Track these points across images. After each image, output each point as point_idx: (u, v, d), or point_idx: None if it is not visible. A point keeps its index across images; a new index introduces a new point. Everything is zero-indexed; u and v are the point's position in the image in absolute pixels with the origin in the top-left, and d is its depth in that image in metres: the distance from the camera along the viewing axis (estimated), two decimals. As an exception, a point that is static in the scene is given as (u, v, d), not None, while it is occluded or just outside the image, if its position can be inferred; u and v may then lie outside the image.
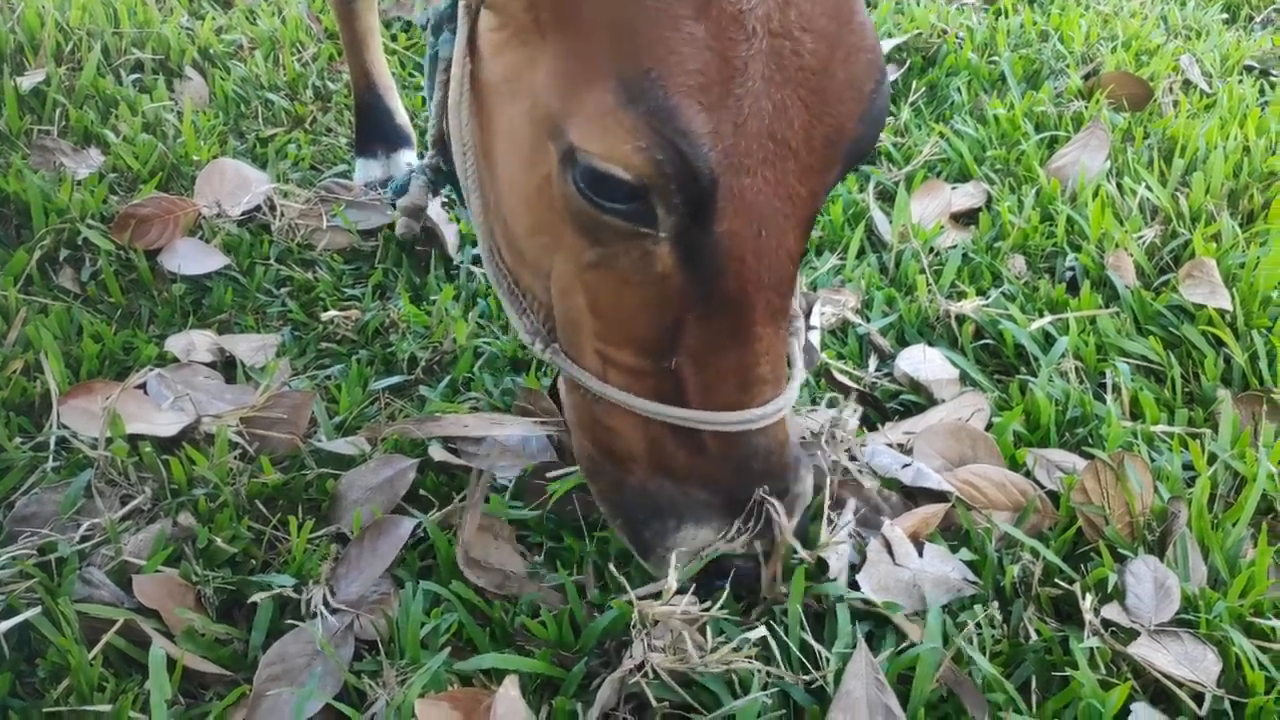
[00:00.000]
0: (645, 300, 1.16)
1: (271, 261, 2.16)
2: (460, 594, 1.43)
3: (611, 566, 1.45)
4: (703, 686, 1.32)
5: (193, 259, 2.13)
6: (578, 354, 1.27)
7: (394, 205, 2.22)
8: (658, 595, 1.38)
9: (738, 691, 1.31)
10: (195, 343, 1.92)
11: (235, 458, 1.66)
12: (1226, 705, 1.34)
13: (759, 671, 1.32)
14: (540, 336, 1.31)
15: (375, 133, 2.38)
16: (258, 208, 2.28)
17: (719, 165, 1.04)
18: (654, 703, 1.29)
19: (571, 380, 1.30)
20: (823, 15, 1.06)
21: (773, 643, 1.36)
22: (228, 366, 1.90)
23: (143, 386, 1.79)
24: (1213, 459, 1.70)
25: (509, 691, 1.27)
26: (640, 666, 1.30)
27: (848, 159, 1.14)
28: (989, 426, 1.77)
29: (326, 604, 1.43)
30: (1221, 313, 1.99)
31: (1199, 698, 1.34)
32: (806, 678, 1.34)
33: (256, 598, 1.43)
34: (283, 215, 2.25)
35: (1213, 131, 2.59)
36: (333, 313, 2.02)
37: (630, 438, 1.28)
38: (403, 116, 2.42)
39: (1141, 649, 1.38)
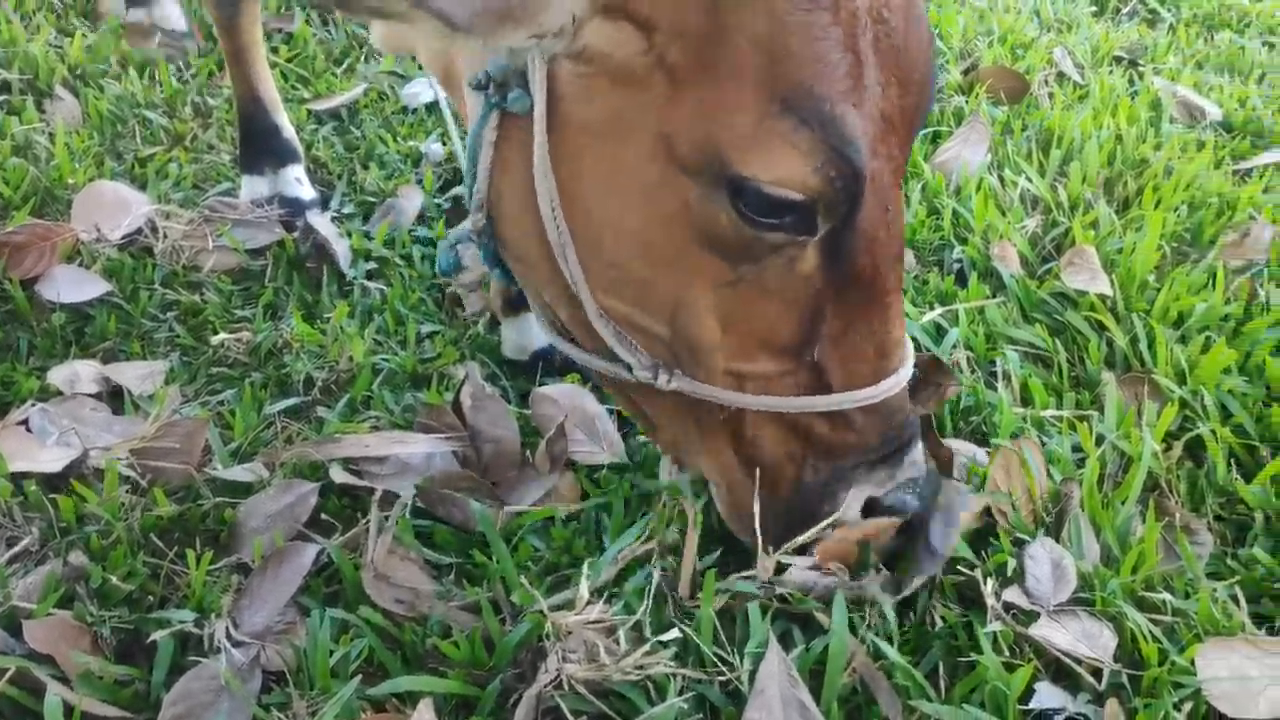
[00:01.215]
0: (788, 302, 1.21)
1: (156, 286, 2.10)
2: (369, 618, 1.41)
3: (523, 579, 1.44)
4: (619, 695, 1.31)
5: (72, 286, 2.05)
6: (708, 377, 1.28)
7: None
8: (570, 605, 1.38)
9: (654, 698, 1.32)
10: (79, 374, 1.85)
11: (127, 491, 1.60)
12: (1124, 678, 1.39)
13: (674, 676, 1.32)
14: (661, 368, 1.31)
15: (261, 149, 2.32)
16: (139, 230, 2.21)
17: (869, 160, 1.10)
18: (570, 717, 1.28)
19: (694, 407, 1.32)
20: None
21: (682, 647, 1.37)
22: (114, 397, 1.84)
23: (24, 422, 1.71)
24: (1100, 440, 1.76)
25: (423, 715, 1.25)
26: (556, 679, 1.29)
27: (921, 124, 1.24)
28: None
29: (230, 637, 1.39)
30: (1102, 298, 2.07)
31: (1098, 673, 1.39)
32: (721, 678, 1.35)
33: (156, 635, 1.38)
34: (166, 237, 2.18)
35: (1087, 122, 2.68)
36: (223, 335, 1.97)
37: (774, 440, 1.32)
38: (289, 131, 2.36)
39: (1042, 630, 1.42)
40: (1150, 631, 1.43)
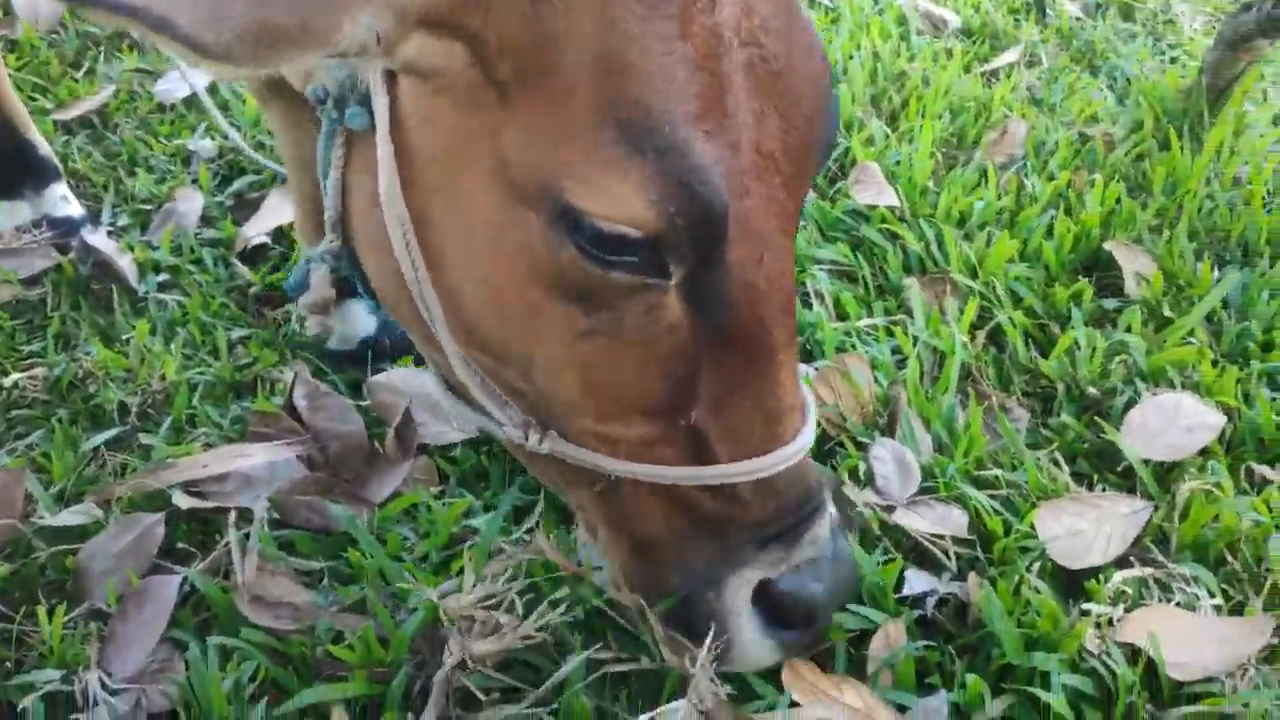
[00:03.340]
0: (654, 359, 1.06)
1: (-74, 334, 1.92)
2: (251, 638, 1.36)
3: (405, 573, 1.43)
4: (525, 664, 1.33)
5: None
6: (577, 439, 1.15)
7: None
8: (458, 589, 1.38)
9: (559, 661, 1.33)
10: None
11: (-50, 559, 1.48)
12: (978, 551, 1.51)
13: (577, 634, 1.35)
14: (531, 427, 1.16)
15: (16, 170, 2.14)
16: (-108, 277, 2.01)
17: (728, 195, 0.97)
18: (481, 695, 1.28)
19: (582, 475, 1.17)
20: (776, 16, 1.00)
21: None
22: (-92, 461, 1.68)
23: None
24: (915, 341, 1.88)
25: (336, 723, 1.23)
26: (462, 663, 1.29)
27: (819, 160, 1.10)
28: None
29: (105, 687, 1.31)
30: (891, 209, 2.19)
31: (955, 555, 1.51)
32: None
33: (24, 702, 1.29)
34: (-75, 280, 2.00)
35: (846, 43, 2.81)
36: (15, 376, 1.83)
37: (654, 515, 1.17)
38: (45, 148, 2.18)
39: (901, 518, 1.53)
40: (991, 506, 1.56)
